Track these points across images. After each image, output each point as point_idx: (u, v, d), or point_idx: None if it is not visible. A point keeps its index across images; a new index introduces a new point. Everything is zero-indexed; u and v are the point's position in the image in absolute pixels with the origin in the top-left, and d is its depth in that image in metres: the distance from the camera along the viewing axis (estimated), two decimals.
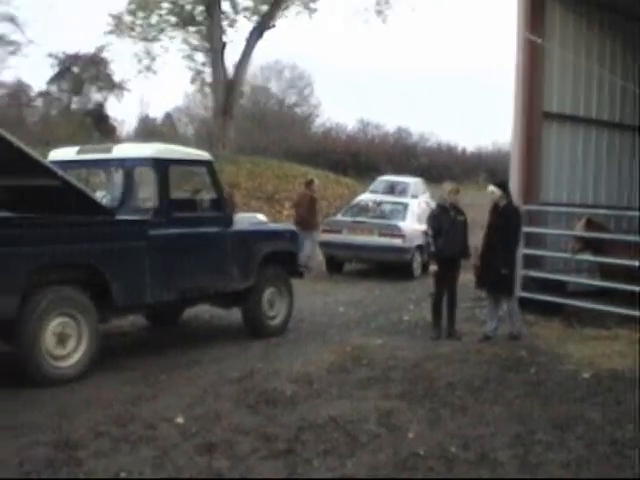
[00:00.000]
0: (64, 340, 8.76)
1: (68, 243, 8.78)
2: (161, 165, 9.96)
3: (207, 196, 10.64)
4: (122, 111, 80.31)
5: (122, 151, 10.51)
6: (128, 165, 10.19)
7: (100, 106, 43.84)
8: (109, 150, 10.62)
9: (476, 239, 12.08)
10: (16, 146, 8.45)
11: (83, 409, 7.79)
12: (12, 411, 7.70)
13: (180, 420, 7.43)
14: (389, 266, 19.21)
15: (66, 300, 8.80)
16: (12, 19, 37.30)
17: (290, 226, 13.36)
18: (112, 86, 44.25)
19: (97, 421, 7.36)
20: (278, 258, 11.60)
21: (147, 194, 9.99)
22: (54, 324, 8.65)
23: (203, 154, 11.17)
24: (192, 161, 11.11)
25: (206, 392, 8.43)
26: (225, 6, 33.50)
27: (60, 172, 8.91)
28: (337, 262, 19.81)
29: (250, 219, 11.97)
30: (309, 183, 19.76)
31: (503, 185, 11.90)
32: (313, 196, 19.23)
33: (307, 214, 18.45)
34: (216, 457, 6.54)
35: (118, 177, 10.39)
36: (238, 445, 6.79)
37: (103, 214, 9.42)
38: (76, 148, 11.04)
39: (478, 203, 18.50)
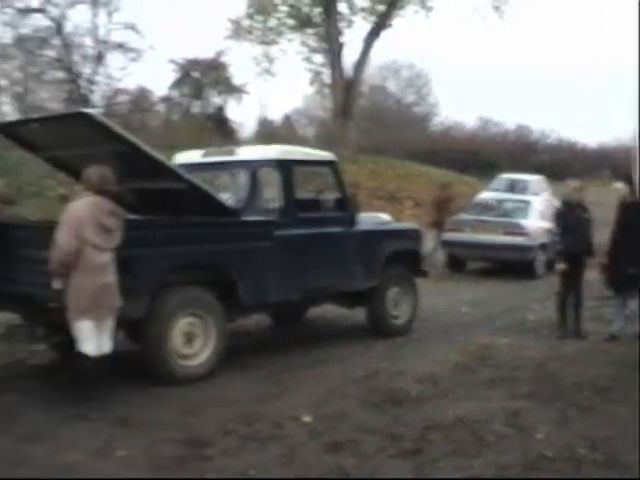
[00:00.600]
0: (191, 339, 8.91)
1: (196, 244, 8.93)
2: (285, 166, 10.04)
3: (331, 196, 10.69)
4: (241, 114, 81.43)
5: (246, 153, 10.65)
6: (253, 167, 10.33)
7: (220, 110, 44.50)
8: (233, 152, 10.76)
9: (601, 237, 11.81)
10: (143, 150, 8.65)
11: (211, 407, 7.92)
12: (142, 408, 7.89)
13: (307, 419, 7.48)
14: (512, 265, 18.97)
15: (194, 300, 8.96)
16: (133, 27, 38.25)
17: (414, 225, 13.30)
18: (231, 90, 44.89)
19: (225, 419, 7.48)
20: (402, 257, 11.56)
21: (272, 195, 10.10)
22: (182, 324, 8.81)
23: (327, 154, 11.20)
24: (316, 161, 11.15)
25: (332, 391, 8.46)
26: (342, 7, 33.64)
27: (186, 175, 9.09)
28: (460, 261, 19.69)
29: (374, 219, 11.95)
30: (445, 186, 20.20)
31: (630, 181, 11.61)
32: (450, 196, 19.55)
33: (442, 216, 18.76)
34: (343, 456, 6.56)
35: (243, 179, 10.54)
36: (365, 444, 6.81)
37: (229, 215, 9.56)
38: (201, 151, 11.27)
39: (603, 200, 18.15)
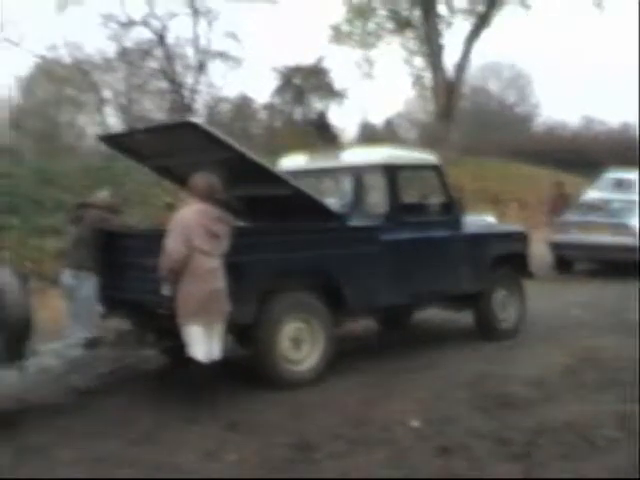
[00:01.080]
0: (299, 344, 8.98)
1: (303, 250, 9.00)
2: (390, 170, 10.01)
3: (436, 199, 10.62)
4: (343, 119, 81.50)
5: (351, 157, 10.64)
6: (358, 171, 10.32)
7: (322, 115, 44.65)
8: (338, 157, 10.80)
9: None
10: (249, 158, 8.75)
11: (319, 411, 7.96)
12: (251, 412, 7.98)
13: (415, 423, 7.44)
14: (620, 265, 18.58)
15: (301, 305, 9.02)
16: (233, 35, 38.73)
17: (520, 227, 13.13)
18: (333, 95, 45.00)
19: (333, 423, 7.52)
20: (509, 260, 11.42)
21: (377, 199, 10.07)
22: (290, 329, 8.89)
23: (431, 157, 11.12)
24: (420, 165, 11.08)
25: (440, 395, 8.41)
26: (441, 9, 33.44)
27: (292, 181, 9.15)
28: (567, 262, 19.38)
29: (479, 221, 11.83)
30: (559, 185, 20.09)
31: None
32: (565, 194, 19.46)
33: (558, 214, 18.74)
34: (452, 460, 6.50)
35: (348, 183, 10.53)
36: (474, 449, 6.74)
37: (335, 221, 9.60)
38: (305, 156, 11.35)
39: None
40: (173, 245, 7.62)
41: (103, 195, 9.56)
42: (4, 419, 7.91)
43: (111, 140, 10.84)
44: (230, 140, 8.78)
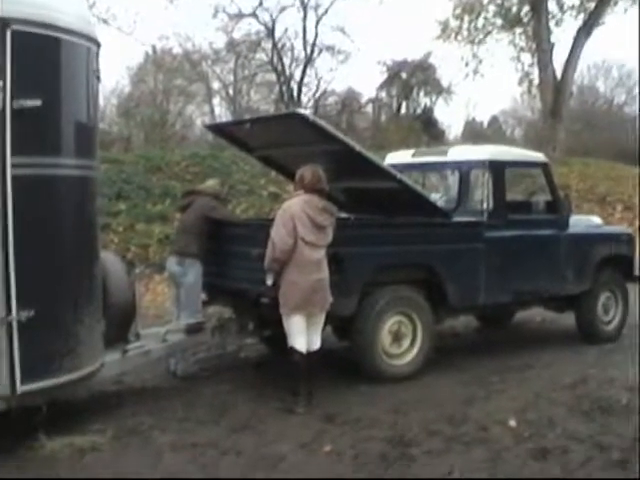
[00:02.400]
0: (399, 338, 8.97)
1: (407, 244, 8.98)
2: (497, 167, 9.92)
3: (542, 198, 10.49)
4: (449, 115, 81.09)
5: (458, 154, 10.56)
6: (464, 168, 10.24)
7: (428, 111, 44.50)
8: (444, 153, 10.72)
9: None
10: (356, 150, 8.76)
11: (417, 407, 7.91)
12: (349, 405, 7.97)
13: (512, 423, 7.36)
14: None
15: (403, 300, 9.00)
16: (341, 29, 38.83)
17: (627, 229, 12.86)
18: (440, 90, 44.79)
19: (430, 419, 7.47)
20: (614, 262, 11.18)
21: (482, 196, 9.97)
22: (391, 323, 8.88)
23: (539, 155, 11.00)
24: (527, 163, 11.02)
25: (539, 396, 8.29)
26: (551, 5, 32.90)
27: (398, 175, 9.13)
28: None
29: (586, 222, 11.63)
30: None
31: None
32: None
33: None
34: (549, 463, 6.40)
35: (453, 179, 10.50)
36: (571, 453, 6.62)
37: (440, 216, 9.55)
38: (411, 151, 11.32)
39: None
40: (279, 236, 7.65)
41: (211, 184, 9.69)
42: (105, 401, 8.10)
43: (218, 129, 10.99)
44: (338, 132, 8.81)
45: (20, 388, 6.30)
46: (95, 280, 7.25)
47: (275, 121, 9.50)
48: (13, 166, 6.18)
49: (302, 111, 9.48)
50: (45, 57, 6.56)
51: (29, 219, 6.35)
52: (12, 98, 6.15)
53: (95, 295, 7.23)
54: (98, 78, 7.29)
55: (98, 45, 7.24)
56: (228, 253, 9.01)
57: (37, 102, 6.28)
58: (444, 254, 9.22)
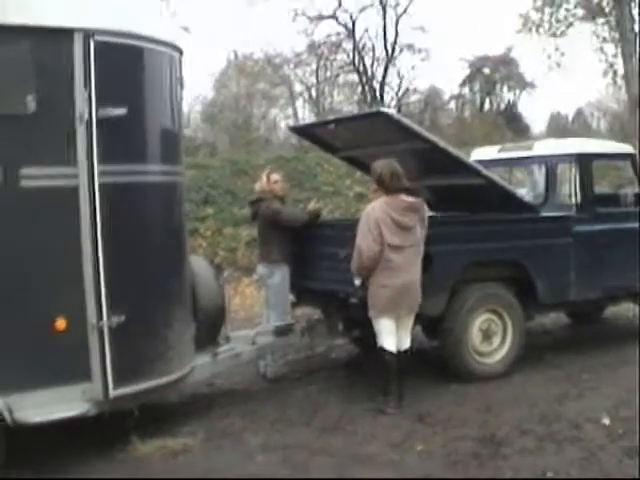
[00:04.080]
0: (490, 336, 8.90)
1: (497, 240, 8.91)
2: (585, 160, 9.77)
3: (631, 190, 10.28)
4: (533, 109, 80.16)
5: (544, 148, 10.45)
6: (551, 161, 10.16)
7: (512, 105, 44.09)
8: (530, 147, 10.63)
9: None
10: (442, 148, 8.72)
11: (508, 406, 7.84)
12: (439, 405, 7.93)
13: (606, 421, 7.23)
14: None
15: (492, 297, 8.92)
16: (421, 27, 38.72)
17: None
18: (523, 85, 44.33)
19: (522, 418, 7.39)
20: None
21: (570, 190, 9.83)
22: (480, 320, 8.82)
23: (626, 147, 10.82)
24: (615, 155, 10.83)
25: (632, 393, 8.07)
26: None
27: (485, 171, 9.06)
28: None
29: None
30: None
31: None
32: None
33: None
34: None
35: (540, 174, 10.40)
36: None
37: (528, 211, 9.45)
38: (497, 147, 11.27)
39: None
40: (365, 242, 7.57)
41: (259, 185, 9.52)
42: (196, 404, 8.20)
43: (302, 131, 11.04)
44: (422, 130, 8.78)
45: (112, 392, 6.41)
46: (185, 284, 7.35)
47: (359, 120, 9.48)
48: (101, 174, 6.29)
49: (386, 109, 9.47)
50: (129, 66, 6.69)
51: (118, 226, 6.46)
52: (98, 107, 6.25)
53: (185, 299, 7.34)
54: (182, 85, 7.39)
55: (180, 52, 7.34)
56: (315, 254, 9.05)
57: (122, 111, 6.39)
58: (533, 250, 9.10)
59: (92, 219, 6.27)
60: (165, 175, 7.03)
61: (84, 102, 6.21)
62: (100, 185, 6.28)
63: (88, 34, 6.23)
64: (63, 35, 6.18)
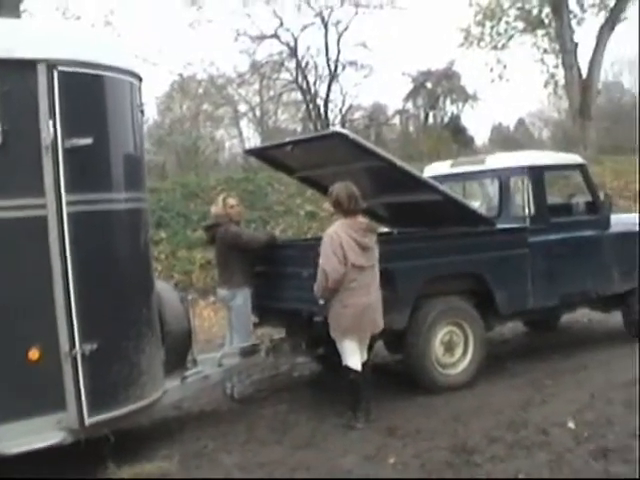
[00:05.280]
0: (452, 348, 9.05)
1: (456, 254, 9.06)
2: (537, 172, 9.98)
3: (582, 199, 10.54)
4: (475, 121, 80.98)
5: (496, 162, 10.63)
6: (503, 175, 10.34)
7: (456, 118, 44.50)
8: (483, 162, 10.81)
9: None
10: (397, 165, 8.85)
11: (475, 415, 7.95)
12: (407, 417, 8.03)
13: (571, 425, 7.37)
14: None
15: (453, 310, 9.10)
16: (363, 44, 39.05)
17: None
18: (466, 98, 44.81)
19: (490, 426, 7.50)
20: None
21: (523, 202, 10.01)
22: (442, 333, 8.97)
23: (575, 157, 11.07)
24: (565, 166, 11.08)
25: (594, 397, 8.28)
26: (572, 5, 32.80)
27: (441, 187, 9.22)
28: None
29: (626, 219, 11.58)
30: None
31: None
32: None
33: None
34: (612, 462, 6.41)
35: (494, 187, 10.61)
36: (633, 451, 6.57)
37: (484, 224, 9.62)
38: (449, 162, 11.45)
39: None
40: (331, 265, 7.63)
41: (216, 209, 9.58)
42: (167, 427, 8.23)
43: (258, 153, 11.12)
44: (378, 149, 8.92)
45: (88, 420, 6.45)
46: (153, 309, 7.40)
47: (315, 141, 9.58)
48: (68, 204, 6.34)
49: (341, 130, 9.58)
50: (92, 95, 6.75)
51: (87, 254, 6.51)
52: (63, 137, 6.31)
53: (154, 324, 7.39)
54: (142, 112, 7.47)
55: (140, 79, 7.41)
56: (278, 274, 9.13)
57: (88, 140, 6.45)
58: (491, 262, 9.29)
59: (61, 248, 6.32)
60: (130, 202, 7.07)
61: (50, 132, 6.26)
62: (68, 214, 6.33)
63: (51, 65, 6.29)
64: (27, 66, 6.24)
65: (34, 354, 6.24)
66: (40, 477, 6.53)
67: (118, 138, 7.00)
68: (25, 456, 6.20)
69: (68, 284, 6.33)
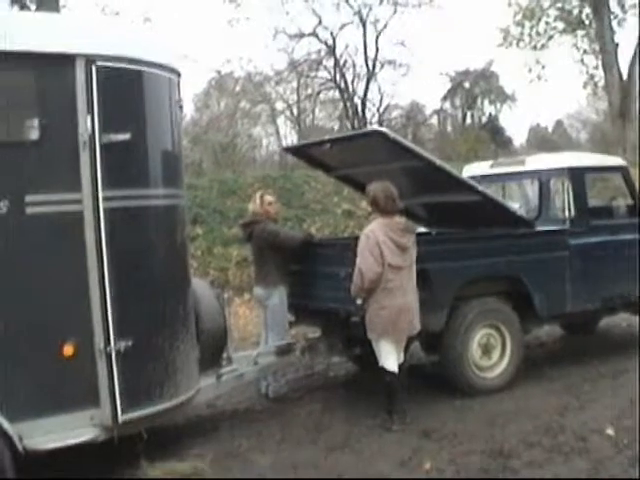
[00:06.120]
0: (489, 351, 8.97)
1: (493, 256, 8.97)
2: (577, 174, 9.86)
3: (623, 202, 10.40)
4: (513, 122, 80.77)
5: (536, 163, 10.51)
6: (544, 176, 10.23)
7: (494, 119, 44.34)
8: (523, 162, 10.69)
9: None
10: (436, 165, 8.76)
11: (512, 419, 7.86)
12: (443, 420, 7.95)
13: (610, 432, 7.24)
14: None
15: (491, 312, 8.99)
16: (402, 43, 38.97)
17: None
18: (504, 98, 44.62)
19: (527, 431, 7.41)
20: None
21: (563, 204, 9.91)
22: (480, 335, 8.89)
23: (617, 160, 10.96)
24: (606, 168, 10.95)
25: (633, 403, 8.12)
26: (613, 5, 32.52)
27: (480, 187, 9.12)
28: None
29: None
30: None
31: None
32: None
33: None
34: None
35: (533, 188, 10.48)
36: None
37: (523, 226, 9.51)
38: (489, 162, 11.35)
39: None
40: (367, 264, 7.58)
41: (253, 206, 9.53)
42: (201, 426, 8.20)
43: (297, 151, 11.07)
44: (417, 148, 8.84)
45: (121, 417, 6.41)
46: (189, 307, 7.36)
47: (354, 140, 9.51)
48: (105, 199, 6.31)
49: (381, 128, 9.50)
50: (130, 91, 6.72)
51: (123, 250, 6.48)
52: (101, 133, 6.29)
53: (189, 322, 7.34)
54: (181, 108, 7.45)
55: (179, 75, 7.38)
56: (314, 273, 9.05)
57: (126, 136, 6.42)
58: (530, 264, 9.17)
59: (97, 244, 6.29)
60: (168, 198, 7.06)
61: (87, 128, 6.24)
62: (105, 210, 6.30)
63: (90, 60, 6.27)
64: (65, 61, 6.22)
65: (68, 350, 6.22)
66: (72, 476, 6.50)
67: (156, 134, 6.96)
68: (58, 452, 6.18)
69: (104, 280, 6.30)
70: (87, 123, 6.25)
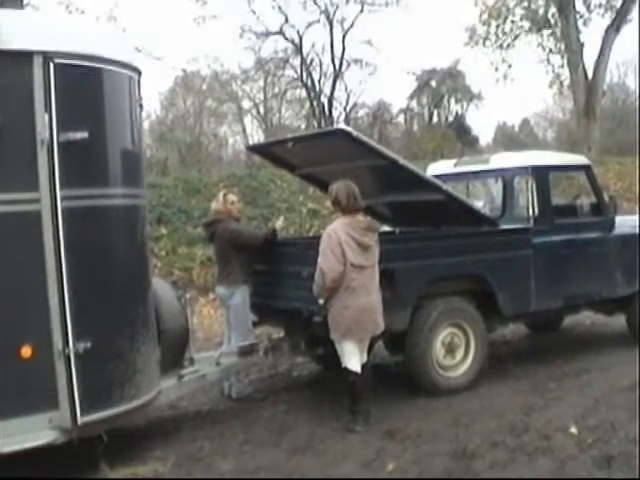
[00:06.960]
0: (453, 350, 8.92)
1: (457, 255, 8.91)
2: (541, 173, 9.82)
3: (587, 201, 10.42)
4: (480, 121, 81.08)
5: (500, 161, 10.48)
6: (508, 175, 10.22)
7: (461, 117, 44.48)
8: (487, 161, 10.66)
9: None
10: (400, 164, 8.71)
11: (477, 418, 7.82)
12: (407, 420, 7.89)
13: (574, 430, 7.22)
14: None
15: (455, 311, 8.95)
16: (368, 42, 39.02)
17: None
18: (471, 97, 44.77)
19: (491, 430, 7.37)
20: None
21: (527, 202, 9.90)
22: (443, 334, 8.84)
23: (581, 158, 10.96)
24: (570, 166, 10.96)
25: (598, 401, 8.14)
26: (578, 5, 32.71)
27: (444, 186, 9.09)
28: None
29: (630, 222, 11.44)
30: None
31: None
32: None
33: None
34: (614, 470, 6.27)
35: (498, 187, 10.49)
36: (637, 458, 6.41)
37: (487, 225, 9.49)
38: (453, 161, 11.32)
39: None
40: (329, 264, 7.51)
41: (216, 205, 9.47)
42: (162, 427, 8.12)
43: (260, 150, 11.00)
44: (382, 147, 8.80)
45: (81, 419, 6.32)
46: (149, 307, 7.28)
47: (317, 138, 9.46)
48: (63, 199, 6.21)
49: (344, 127, 9.45)
50: (89, 89, 6.62)
51: (82, 251, 6.38)
52: (59, 131, 6.19)
53: (150, 322, 7.26)
54: (141, 106, 7.35)
55: (139, 73, 7.29)
56: (278, 273, 9.00)
57: (84, 135, 6.32)
58: (493, 263, 9.15)
59: (55, 244, 6.20)
60: (128, 198, 6.97)
61: (45, 126, 6.14)
62: (63, 210, 6.20)
63: (48, 57, 6.16)
64: (22, 58, 6.12)
65: (26, 352, 6.12)
66: (29, 477, 6.40)
67: (115, 133, 6.88)
68: (15, 455, 6.08)
69: (62, 281, 6.21)
70: (45, 121, 6.14)
